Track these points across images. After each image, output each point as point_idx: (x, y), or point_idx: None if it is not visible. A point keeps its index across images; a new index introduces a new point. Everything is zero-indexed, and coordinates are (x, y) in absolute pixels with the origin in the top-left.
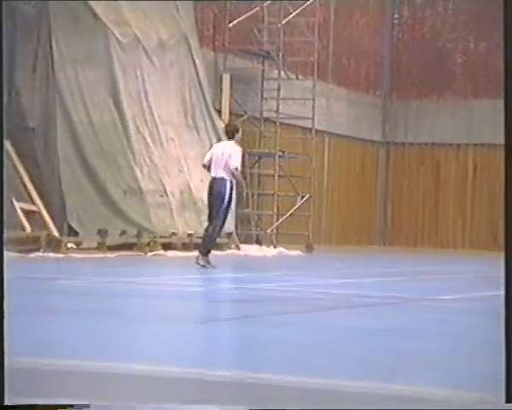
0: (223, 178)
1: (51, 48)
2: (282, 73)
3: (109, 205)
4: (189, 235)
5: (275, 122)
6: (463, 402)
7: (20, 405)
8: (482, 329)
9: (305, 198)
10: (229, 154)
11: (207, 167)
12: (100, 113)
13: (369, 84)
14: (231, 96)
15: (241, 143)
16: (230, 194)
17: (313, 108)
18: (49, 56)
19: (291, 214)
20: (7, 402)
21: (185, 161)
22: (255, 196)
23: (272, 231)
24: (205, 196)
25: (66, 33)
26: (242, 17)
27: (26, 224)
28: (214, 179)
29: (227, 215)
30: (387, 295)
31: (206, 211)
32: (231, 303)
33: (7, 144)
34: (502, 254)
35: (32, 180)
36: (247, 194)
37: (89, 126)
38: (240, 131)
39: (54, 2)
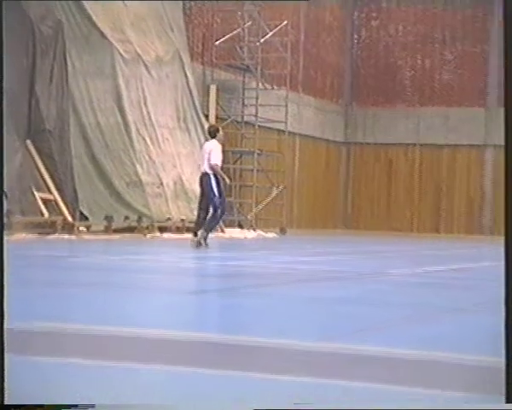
0: (207, 173)
1: (66, 62)
2: (260, 83)
3: (114, 195)
4: (182, 220)
5: (254, 125)
6: (463, 402)
7: (20, 405)
8: (422, 297)
9: (279, 189)
10: (209, 151)
11: (199, 165)
12: (106, 117)
13: (333, 93)
14: (217, 103)
15: (222, 141)
16: (218, 185)
17: (286, 113)
18: (64, 70)
19: (268, 203)
20: (7, 402)
21: (178, 157)
22: (237, 187)
23: (252, 216)
24: (195, 187)
25: (79, 50)
26: (227, 36)
27: (45, 210)
28: (202, 174)
29: (223, 204)
30: (347, 270)
31: (195, 200)
32: (217, 277)
33: (29, 144)
34: (442, 237)
35: (49, 173)
36: (230, 185)
37: (97, 128)
38: (220, 131)
39: (68, 24)
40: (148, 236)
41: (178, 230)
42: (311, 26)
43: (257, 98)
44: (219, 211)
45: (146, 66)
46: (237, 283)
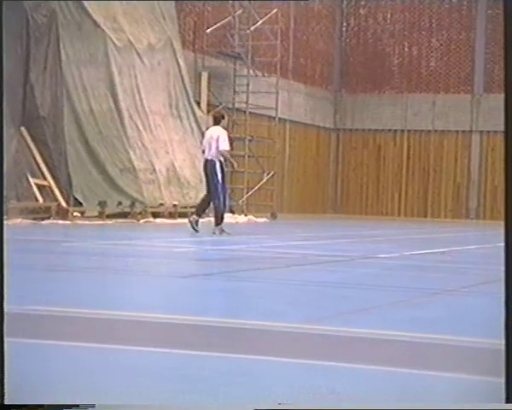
0: (212, 159)
1: (59, 50)
2: (251, 71)
3: (108, 181)
4: (174, 205)
5: (245, 112)
6: (463, 402)
7: (20, 405)
8: (411, 279)
9: (270, 175)
10: (217, 137)
11: (203, 151)
12: (99, 104)
13: (323, 80)
14: (208, 90)
15: (227, 128)
16: (222, 171)
17: (276, 100)
18: (58, 58)
19: (259, 188)
20: (7, 402)
21: (171, 144)
22: (228, 173)
23: (243, 201)
24: (187, 173)
25: (72, 38)
26: (218, 24)
27: (39, 196)
28: (206, 160)
29: (225, 190)
30: (336, 254)
31: (187, 186)
32: (209, 261)
33: (23, 130)
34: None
35: (43, 160)
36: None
37: (90, 115)
38: (226, 118)
39: (61, 13)
40: (142, 221)
41: (171, 215)
42: (300, 14)
43: (248, 85)
44: (222, 197)
45: (138, 53)
46: (230, 267)
